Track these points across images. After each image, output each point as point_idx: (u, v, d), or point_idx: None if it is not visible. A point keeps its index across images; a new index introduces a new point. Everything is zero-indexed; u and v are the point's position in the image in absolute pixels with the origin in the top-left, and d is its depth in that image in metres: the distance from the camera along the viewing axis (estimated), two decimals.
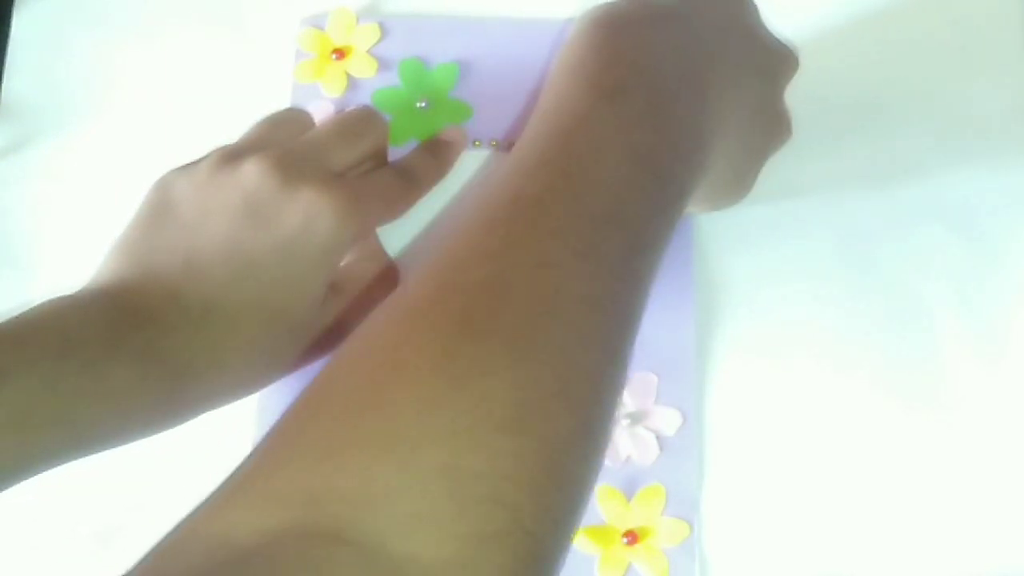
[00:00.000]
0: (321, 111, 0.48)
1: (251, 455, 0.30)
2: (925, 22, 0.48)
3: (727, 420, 0.44)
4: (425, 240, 0.47)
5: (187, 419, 0.39)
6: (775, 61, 0.40)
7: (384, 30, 0.50)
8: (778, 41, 0.40)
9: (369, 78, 0.49)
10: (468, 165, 0.47)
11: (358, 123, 0.43)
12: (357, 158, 0.42)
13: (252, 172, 0.39)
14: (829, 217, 0.46)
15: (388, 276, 0.45)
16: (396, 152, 0.47)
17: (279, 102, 0.49)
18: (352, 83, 0.49)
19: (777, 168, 0.46)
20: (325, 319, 0.41)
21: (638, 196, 0.33)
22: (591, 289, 0.31)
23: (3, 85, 0.50)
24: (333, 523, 0.26)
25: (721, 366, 0.45)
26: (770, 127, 0.41)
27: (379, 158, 0.44)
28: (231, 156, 0.40)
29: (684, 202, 0.35)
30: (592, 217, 0.32)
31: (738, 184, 0.41)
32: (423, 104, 0.48)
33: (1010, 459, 0.43)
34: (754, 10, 0.40)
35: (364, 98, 0.49)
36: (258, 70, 0.50)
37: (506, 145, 0.48)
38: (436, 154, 0.46)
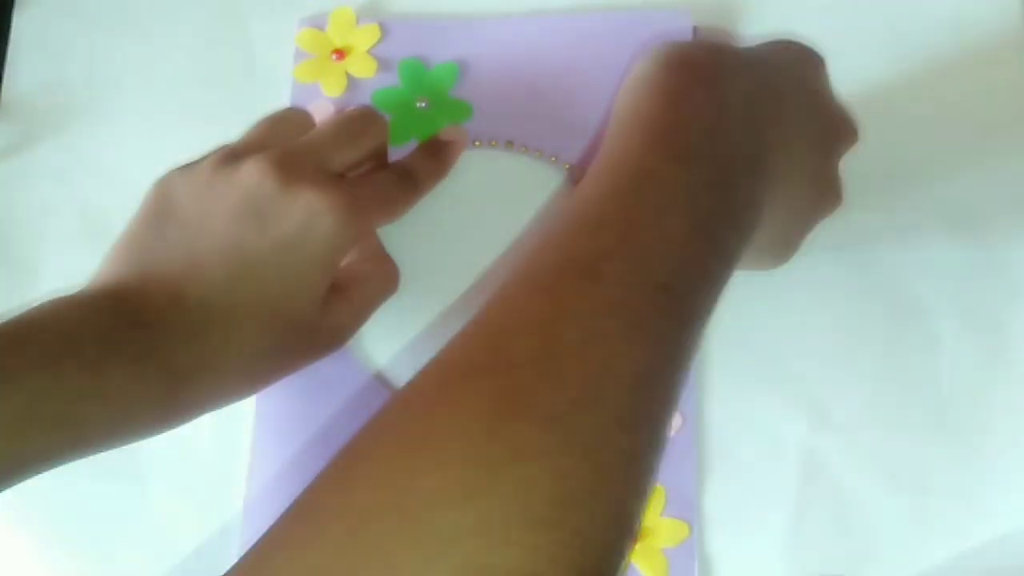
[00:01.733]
0: (321, 111, 0.48)
1: (271, 530, 0.29)
2: (926, 24, 0.48)
3: (726, 421, 0.44)
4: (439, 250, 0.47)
5: (187, 420, 0.39)
6: (836, 130, 0.40)
7: (384, 30, 0.50)
8: (842, 109, 0.40)
9: (369, 78, 0.49)
10: (469, 165, 0.48)
11: (358, 123, 0.43)
12: (357, 158, 0.42)
13: (252, 173, 0.39)
14: (829, 219, 0.46)
15: (389, 276, 0.45)
16: (396, 152, 0.47)
17: (279, 102, 0.49)
18: (352, 83, 0.49)
19: None
20: (326, 320, 0.41)
21: (694, 267, 0.31)
22: (638, 367, 0.29)
23: (3, 85, 0.51)
24: None
25: (720, 368, 0.45)
26: (821, 196, 0.40)
27: (379, 158, 0.44)
28: (231, 156, 0.40)
29: (731, 271, 0.34)
30: (646, 287, 0.30)
31: (783, 249, 0.41)
32: (423, 104, 0.48)
33: (1010, 456, 0.43)
34: (823, 71, 0.40)
35: (364, 98, 0.49)
36: (258, 70, 0.50)
37: (505, 145, 0.48)
38: (436, 155, 0.46)
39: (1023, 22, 0.48)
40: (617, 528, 0.28)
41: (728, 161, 0.33)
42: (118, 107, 0.50)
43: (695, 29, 0.48)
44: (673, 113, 0.34)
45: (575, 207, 0.33)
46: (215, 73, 0.50)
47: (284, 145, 0.41)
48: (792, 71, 0.38)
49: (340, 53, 0.49)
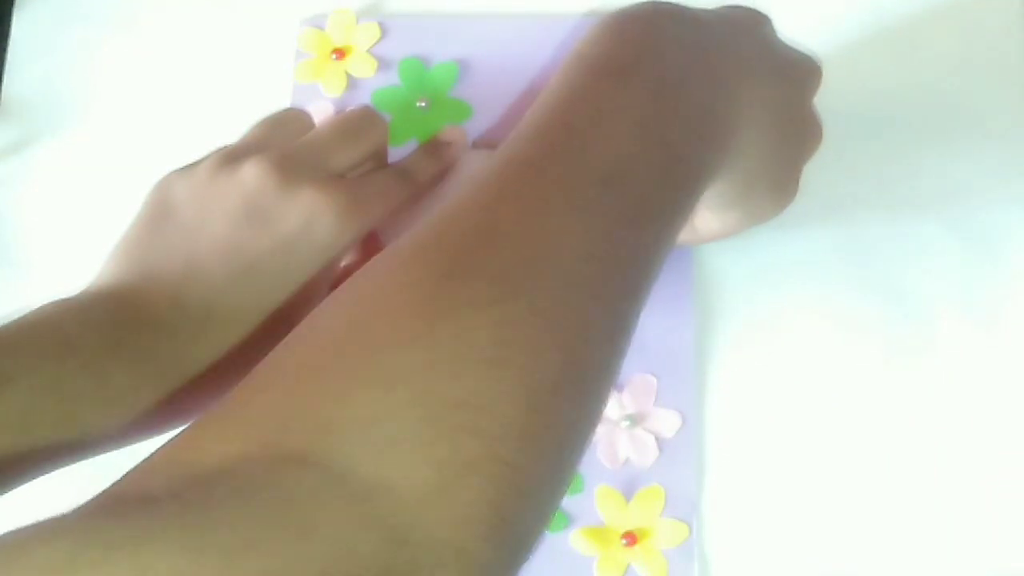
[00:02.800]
0: (321, 111, 0.48)
1: (241, 383, 0.30)
2: (927, 25, 0.48)
3: (726, 422, 0.44)
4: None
5: (189, 420, 0.38)
6: (797, 69, 0.39)
7: (384, 30, 0.50)
8: (799, 52, 0.40)
9: (369, 78, 0.49)
10: (469, 165, 0.47)
11: (358, 123, 0.43)
12: (357, 159, 0.42)
13: (252, 173, 0.39)
14: (829, 218, 0.46)
15: None
16: (396, 152, 0.47)
17: (279, 102, 0.49)
18: (352, 83, 0.49)
19: None
20: None
21: (643, 165, 0.32)
22: (588, 245, 0.30)
23: (3, 86, 0.51)
24: (302, 447, 0.26)
25: (720, 368, 0.45)
26: (800, 131, 0.40)
27: (379, 158, 0.44)
28: (231, 157, 0.40)
29: (702, 183, 0.34)
30: (591, 178, 0.31)
31: (778, 191, 0.40)
32: (423, 104, 0.48)
33: (1009, 456, 0.43)
34: (771, 26, 0.40)
35: (364, 98, 0.49)
36: (258, 70, 0.50)
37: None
38: (436, 155, 0.46)
39: (1022, 17, 0.48)
40: (571, 377, 0.28)
41: (669, 74, 0.33)
42: (117, 107, 0.50)
43: None
44: (609, 43, 0.34)
45: (515, 129, 0.33)
46: (215, 73, 0.50)
47: (284, 146, 0.41)
48: (740, 25, 0.38)
49: (340, 53, 0.49)
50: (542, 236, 0.29)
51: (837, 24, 0.49)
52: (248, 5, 0.51)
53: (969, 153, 0.47)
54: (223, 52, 0.51)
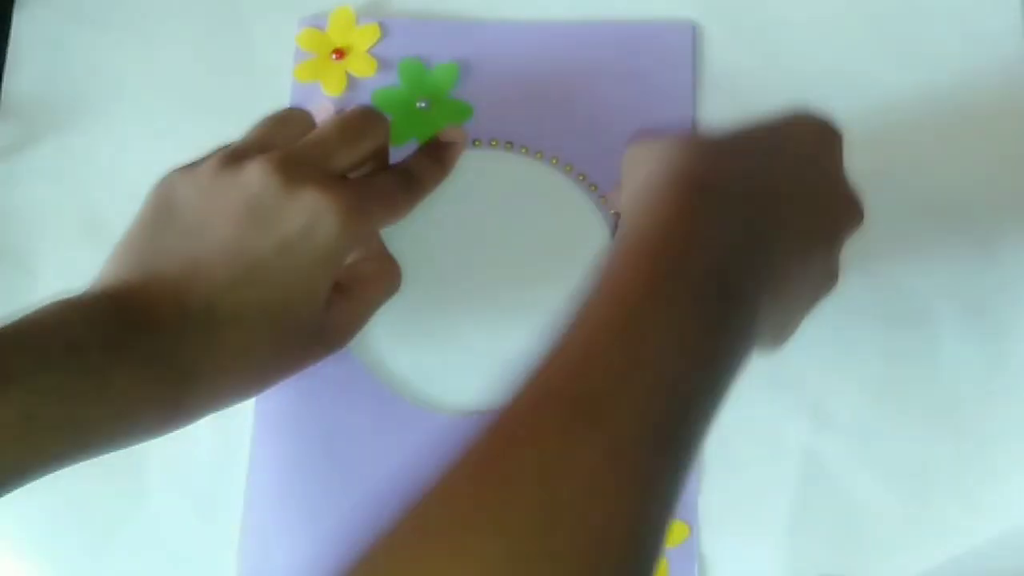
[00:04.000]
0: (321, 111, 0.48)
1: None
2: (927, 27, 0.49)
3: (727, 422, 0.44)
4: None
5: (191, 421, 0.39)
6: (842, 218, 0.39)
7: (384, 30, 0.50)
8: (851, 192, 0.39)
9: (369, 78, 0.49)
10: (469, 166, 0.48)
11: (360, 123, 0.43)
12: (359, 159, 0.42)
13: (254, 174, 0.39)
14: None
15: (391, 276, 0.45)
16: (396, 153, 0.47)
17: (279, 102, 0.49)
18: (352, 83, 0.49)
19: None
20: (329, 320, 0.41)
21: (690, 406, 0.31)
22: (635, 524, 0.29)
23: (4, 85, 0.50)
24: None
25: None
26: (817, 285, 0.39)
27: (381, 158, 0.44)
28: (233, 157, 0.40)
29: (727, 394, 0.34)
30: (644, 431, 0.30)
31: (779, 335, 0.39)
32: (423, 104, 0.48)
33: (1010, 460, 0.43)
34: (838, 149, 0.39)
35: (364, 98, 0.49)
36: (258, 70, 0.50)
37: (505, 145, 0.48)
38: (437, 156, 0.46)
39: (1021, 19, 0.48)
40: None
41: (729, 297, 0.33)
42: (118, 107, 0.50)
43: (695, 29, 0.49)
44: (678, 246, 0.34)
45: (577, 336, 0.32)
46: (215, 73, 0.50)
47: (286, 146, 0.41)
48: (802, 153, 0.38)
49: (340, 53, 0.49)
50: (596, 530, 0.29)
51: (836, 26, 0.49)
52: (248, 5, 0.51)
53: (970, 153, 0.47)
54: (223, 52, 0.51)
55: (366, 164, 0.43)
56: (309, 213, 0.38)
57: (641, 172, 0.37)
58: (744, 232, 0.34)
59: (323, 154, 0.41)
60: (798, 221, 0.36)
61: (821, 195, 0.38)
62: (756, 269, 0.34)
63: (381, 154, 0.44)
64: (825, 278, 0.39)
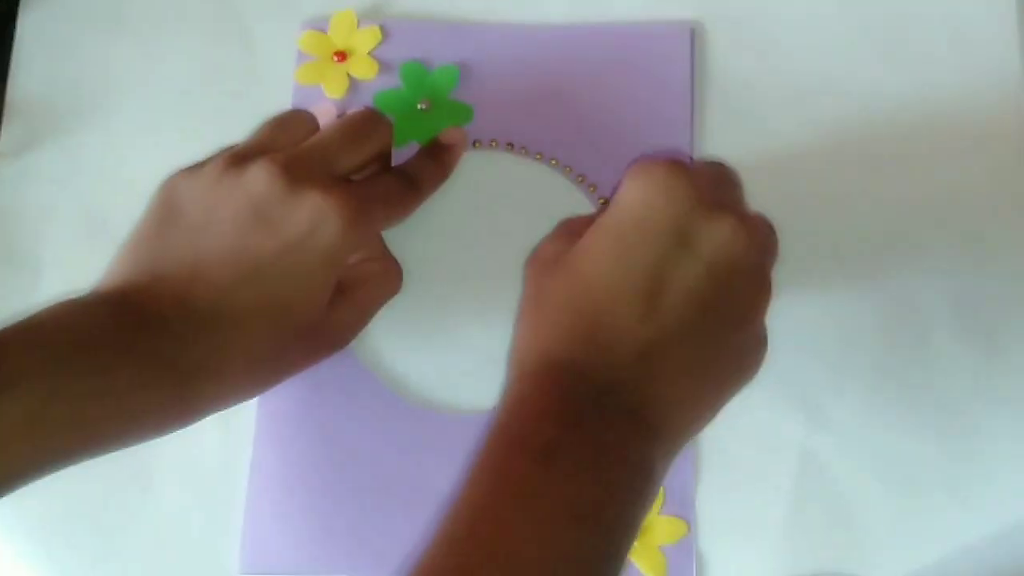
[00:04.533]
0: (323, 113, 0.49)
1: None
2: (923, 29, 0.49)
3: (724, 420, 0.44)
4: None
5: (195, 420, 0.39)
6: (747, 301, 0.37)
7: (385, 32, 0.50)
8: (755, 266, 0.37)
9: (370, 80, 0.49)
10: (469, 167, 0.48)
11: (363, 126, 0.43)
12: (362, 160, 0.43)
13: (258, 176, 0.39)
14: (827, 220, 0.47)
15: (392, 277, 0.46)
16: (398, 154, 0.47)
17: (281, 104, 0.49)
18: (353, 85, 0.49)
19: (776, 172, 0.46)
20: (331, 320, 0.42)
21: (576, 559, 0.32)
22: None
23: (8, 87, 0.51)
24: None
25: None
26: (739, 368, 0.38)
27: (383, 161, 0.45)
28: (237, 159, 0.40)
29: (636, 530, 0.34)
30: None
31: (707, 420, 0.38)
32: (424, 106, 0.49)
33: (1004, 459, 0.43)
34: (733, 193, 0.39)
35: (365, 100, 0.49)
36: (260, 73, 0.50)
37: (505, 147, 0.48)
38: (437, 158, 0.47)
39: (1019, 27, 0.48)
40: None
41: (598, 441, 0.34)
42: (122, 109, 0.50)
43: (693, 31, 0.49)
44: (533, 415, 0.35)
45: (447, 519, 0.33)
46: (218, 75, 0.51)
47: (290, 148, 0.41)
48: (690, 247, 0.36)
49: (341, 55, 0.50)
50: None
51: (832, 31, 0.49)
52: (250, 8, 0.51)
53: (962, 158, 0.47)
54: (226, 54, 0.51)
55: (369, 166, 0.44)
56: (311, 215, 0.39)
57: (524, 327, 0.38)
58: (616, 389, 0.35)
59: (326, 156, 0.41)
60: (691, 339, 0.36)
61: (720, 286, 0.36)
62: (630, 415, 0.35)
63: (384, 156, 0.44)
64: (747, 356, 0.38)
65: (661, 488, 0.43)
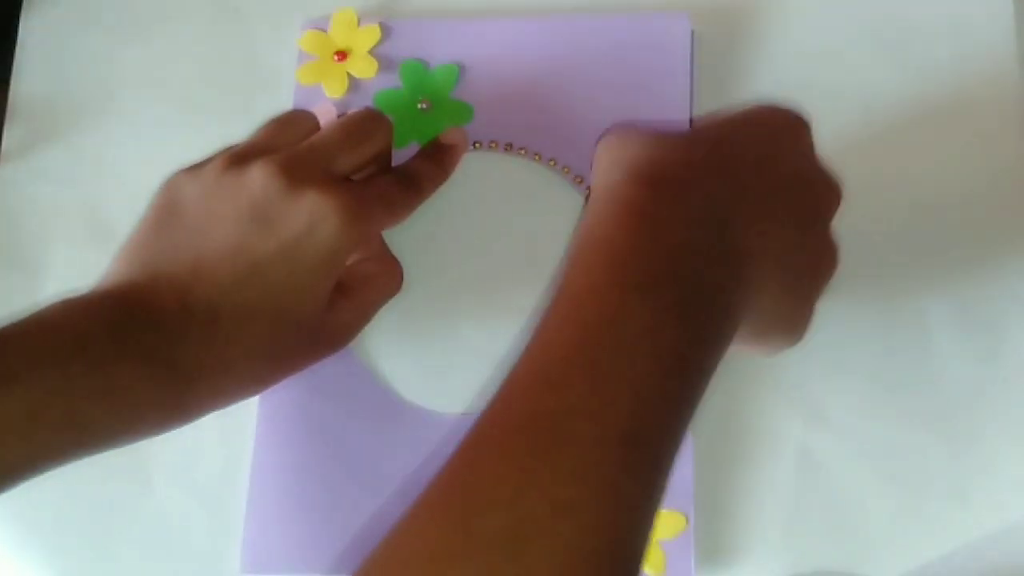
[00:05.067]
0: (323, 112, 0.49)
1: None
2: (921, 31, 0.49)
3: (723, 416, 0.44)
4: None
5: (194, 419, 0.39)
6: (819, 200, 0.39)
7: (385, 31, 0.50)
8: (823, 173, 0.39)
9: (370, 79, 0.50)
10: (469, 167, 0.48)
11: (363, 125, 0.43)
12: (362, 161, 0.43)
13: (258, 176, 0.39)
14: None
15: (392, 277, 0.46)
16: (398, 154, 0.47)
17: (282, 103, 0.49)
18: (353, 84, 0.50)
19: None
20: (331, 320, 0.42)
21: (664, 408, 0.31)
22: (607, 538, 0.29)
23: (11, 87, 0.51)
24: None
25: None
26: (815, 267, 0.39)
27: (383, 161, 0.45)
28: (237, 159, 0.41)
29: (707, 385, 0.34)
30: (615, 443, 0.30)
31: (791, 327, 0.39)
32: (424, 105, 0.49)
33: (1004, 457, 0.44)
34: (806, 137, 0.39)
35: (365, 99, 0.49)
36: (261, 72, 0.51)
37: (505, 147, 0.48)
38: (437, 159, 0.47)
39: (1017, 30, 0.48)
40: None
41: (697, 280, 0.33)
42: (124, 109, 0.51)
43: (693, 32, 0.49)
44: (636, 238, 0.34)
45: (539, 352, 0.32)
46: (219, 75, 0.51)
47: (290, 148, 0.41)
48: (771, 146, 0.38)
49: (342, 54, 0.50)
50: (567, 546, 0.28)
51: (833, 27, 0.49)
52: (251, 8, 0.52)
53: (961, 158, 0.47)
54: (227, 54, 0.51)
55: (369, 166, 0.44)
56: (311, 215, 0.39)
57: (604, 164, 0.37)
58: (707, 222, 0.35)
59: (326, 156, 0.41)
60: (772, 203, 0.36)
61: (794, 176, 0.38)
62: (725, 257, 0.34)
63: (383, 156, 0.45)
64: (820, 261, 0.39)
65: None
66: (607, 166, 0.37)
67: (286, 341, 0.40)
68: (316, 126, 0.44)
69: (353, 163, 0.42)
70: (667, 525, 0.43)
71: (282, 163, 0.40)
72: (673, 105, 0.48)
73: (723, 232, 0.35)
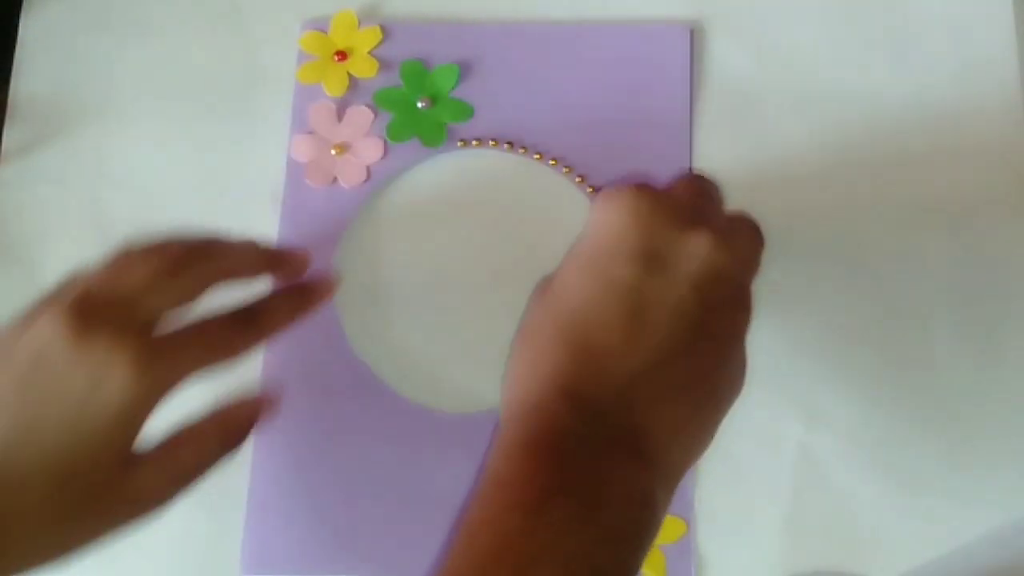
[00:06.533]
0: (323, 111, 0.49)
1: None
2: (921, 31, 0.49)
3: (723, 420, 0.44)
4: None
5: None
6: (723, 332, 0.36)
7: (385, 32, 0.50)
8: (731, 296, 0.36)
9: (370, 79, 0.50)
10: (469, 165, 0.48)
11: (181, 260, 0.38)
12: (179, 300, 0.38)
13: (44, 325, 0.35)
14: (826, 220, 0.47)
15: (230, 433, 0.40)
16: (397, 151, 0.47)
17: (281, 103, 0.49)
18: (353, 83, 0.50)
19: (774, 172, 0.46)
20: (129, 484, 0.37)
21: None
22: None
23: (11, 87, 0.51)
24: None
25: None
26: (729, 394, 0.37)
27: (222, 285, 0.40)
28: (42, 304, 0.37)
29: (640, 562, 0.33)
30: None
31: (699, 447, 0.37)
32: (423, 104, 0.49)
33: (1002, 459, 0.44)
34: (707, 248, 0.36)
35: (365, 97, 0.49)
36: (262, 72, 0.51)
37: (506, 146, 0.48)
38: (294, 299, 0.43)
39: (1016, 31, 0.48)
40: None
41: (593, 488, 0.32)
42: (124, 109, 0.51)
43: (692, 31, 0.49)
44: (527, 468, 0.33)
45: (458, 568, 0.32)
46: (219, 75, 0.51)
47: (89, 289, 0.37)
48: (676, 302, 0.35)
49: (342, 55, 0.50)
50: None
51: (832, 29, 0.49)
52: (251, 9, 0.52)
53: (961, 159, 0.47)
54: (227, 54, 0.51)
55: (208, 292, 0.39)
56: (95, 369, 0.35)
57: (512, 375, 0.36)
58: (602, 417, 0.33)
59: (130, 297, 0.37)
60: (671, 372, 0.34)
61: (698, 325, 0.35)
62: (626, 448, 0.33)
63: (222, 282, 0.40)
64: (732, 383, 0.37)
65: None
66: (506, 395, 0.36)
67: (71, 509, 0.36)
68: (156, 260, 0.38)
69: (166, 303, 0.37)
70: (667, 530, 0.43)
71: (72, 309, 0.35)
72: (673, 106, 0.48)
73: (621, 421, 0.34)
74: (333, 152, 0.48)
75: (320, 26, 0.50)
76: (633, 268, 0.35)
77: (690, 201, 0.37)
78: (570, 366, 0.34)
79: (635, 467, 0.33)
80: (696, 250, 0.35)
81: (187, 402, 0.45)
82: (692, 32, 0.49)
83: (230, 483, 0.45)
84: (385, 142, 0.49)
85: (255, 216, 0.48)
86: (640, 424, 0.34)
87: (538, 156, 0.48)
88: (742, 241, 0.37)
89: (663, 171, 0.47)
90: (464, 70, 0.49)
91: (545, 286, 0.37)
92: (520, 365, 0.36)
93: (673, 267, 0.35)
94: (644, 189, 0.36)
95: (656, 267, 0.35)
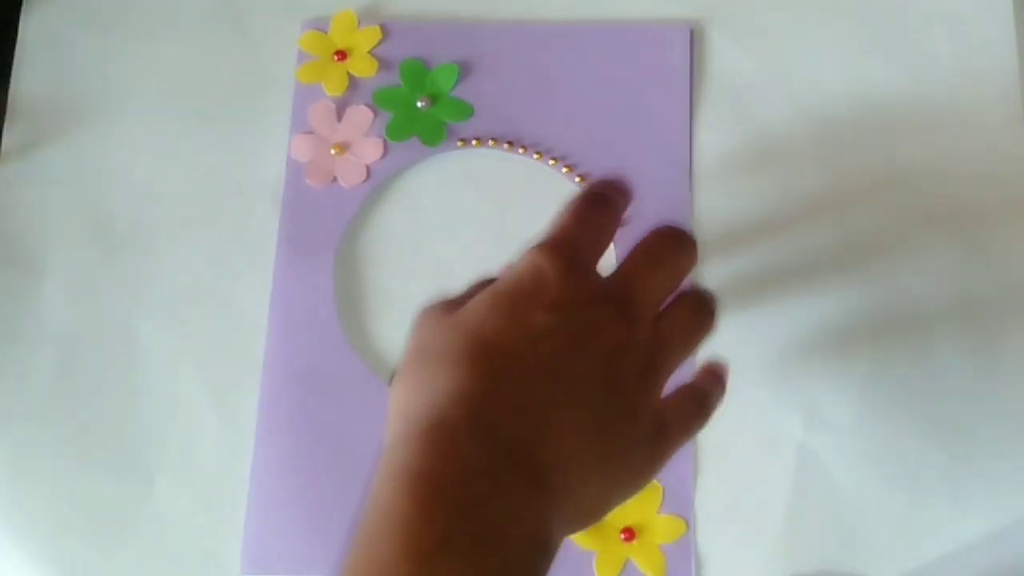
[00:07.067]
0: (322, 110, 0.49)
1: None
2: (920, 30, 0.49)
3: (722, 420, 0.44)
4: None
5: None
6: (630, 389, 0.34)
7: (385, 32, 0.50)
8: (640, 350, 0.35)
9: (370, 78, 0.50)
10: (469, 164, 0.48)
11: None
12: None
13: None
14: (825, 219, 0.47)
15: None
16: (396, 149, 0.47)
17: (281, 103, 0.49)
18: (353, 83, 0.50)
19: (774, 171, 0.46)
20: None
21: None
22: None
23: (11, 88, 0.51)
24: None
25: None
26: (636, 462, 0.35)
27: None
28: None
29: None
30: None
31: (601, 496, 0.35)
32: (423, 104, 0.49)
33: (1000, 458, 0.44)
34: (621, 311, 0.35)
35: (364, 97, 0.49)
36: (261, 72, 0.51)
37: (506, 145, 0.48)
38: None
39: (1016, 32, 0.48)
40: None
41: (485, 533, 0.31)
42: (125, 109, 0.51)
43: (692, 31, 0.49)
44: (418, 506, 0.31)
45: None
46: (220, 75, 0.51)
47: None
48: (578, 345, 0.34)
49: (342, 54, 0.50)
50: None
51: (832, 28, 0.49)
52: (251, 8, 0.52)
53: (965, 157, 0.47)
54: (227, 54, 0.51)
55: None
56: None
57: (394, 409, 0.35)
58: (497, 460, 0.32)
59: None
60: (577, 409, 0.34)
61: (603, 365, 0.34)
62: (523, 484, 0.32)
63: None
64: (643, 446, 0.35)
65: (660, 487, 0.43)
66: (396, 412, 0.35)
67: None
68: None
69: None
70: (667, 529, 0.43)
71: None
72: (673, 106, 0.48)
73: (530, 450, 0.32)
74: (333, 152, 0.49)
75: (320, 26, 0.51)
76: (553, 316, 0.34)
77: (629, 270, 0.36)
78: (479, 391, 0.33)
79: (538, 502, 0.32)
80: (601, 319, 0.34)
81: (187, 402, 0.45)
82: (692, 32, 0.49)
83: (230, 483, 0.45)
84: (385, 142, 0.49)
85: (255, 216, 0.48)
86: (539, 453, 0.32)
87: (538, 156, 0.48)
88: (670, 323, 0.36)
89: (663, 170, 0.47)
90: (464, 70, 0.49)
91: (443, 310, 0.36)
92: (418, 383, 0.34)
93: (579, 327, 0.34)
94: (579, 252, 0.36)
95: (571, 322, 0.34)
